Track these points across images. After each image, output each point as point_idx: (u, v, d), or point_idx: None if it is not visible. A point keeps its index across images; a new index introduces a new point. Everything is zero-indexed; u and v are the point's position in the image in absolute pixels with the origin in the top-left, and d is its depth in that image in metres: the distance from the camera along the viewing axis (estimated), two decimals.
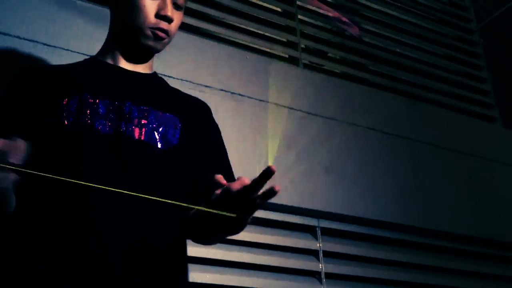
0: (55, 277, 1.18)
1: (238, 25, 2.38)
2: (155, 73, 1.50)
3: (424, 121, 2.65)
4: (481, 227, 2.55)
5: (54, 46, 1.75)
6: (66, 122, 1.29)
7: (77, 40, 1.79)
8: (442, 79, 2.97)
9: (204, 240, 1.45)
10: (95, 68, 1.42)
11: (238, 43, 2.35)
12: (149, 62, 1.48)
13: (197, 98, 1.56)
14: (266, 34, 2.45)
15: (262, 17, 2.46)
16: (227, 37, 2.33)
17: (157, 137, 1.34)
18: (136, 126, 1.33)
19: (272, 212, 2.06)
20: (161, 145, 1.34)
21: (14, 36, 1.69)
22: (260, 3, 2.48)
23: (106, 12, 1.92)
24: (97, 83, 1.37)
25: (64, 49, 1.76)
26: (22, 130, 1.29)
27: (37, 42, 1.72)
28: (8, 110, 1.35)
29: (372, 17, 2.87)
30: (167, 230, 1.30)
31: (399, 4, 3.02)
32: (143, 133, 1.33)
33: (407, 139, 2.50)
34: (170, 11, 1.40)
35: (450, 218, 2.47)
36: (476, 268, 2.54)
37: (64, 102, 1.31)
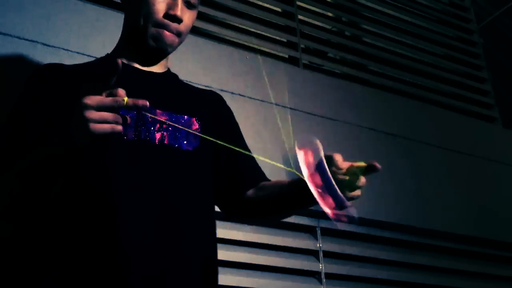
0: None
1: (238, 25, 2.38)
2: (168, 71, 1.45)
3: (424, 121, 2.65)
4: (481, 227, 2.54)
5: (54, 46, 1.74)
6: None
7: (77, 40, 1.79)
8: (442, 79, 2.97)
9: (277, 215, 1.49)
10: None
11: (238, 43, 2.35)
12: (163, 61, 1.42)
13: (210, 91, 1.54)
14: (266, 34, 2.45)
15: (262, 17, 2.46)
16: (227, 37, 2.33)
17: (180, 139, 1.29)
18: (157, 131, 1.27)
19: None
20: (185, 147, 1.30)
21: (14, 36, 1.68)
22: (260, 3, 2.47)
23: (105, 12, 1.92)
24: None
25: (64, 49, 1.75)
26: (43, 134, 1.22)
27: (37, 42, 1.72)
28: (27, 115, 1.27)
29: (372, 17, 2.87)
30: (199, 242, 1.28)
31: (399, 4, 3.02)
32: (165, 137, 1.27)
33: (407, 139, 2.50)
34: (180, 10, 1.30)
35: (450, 218, 2.46)
36: (476, 268, 2.54)
37: None
